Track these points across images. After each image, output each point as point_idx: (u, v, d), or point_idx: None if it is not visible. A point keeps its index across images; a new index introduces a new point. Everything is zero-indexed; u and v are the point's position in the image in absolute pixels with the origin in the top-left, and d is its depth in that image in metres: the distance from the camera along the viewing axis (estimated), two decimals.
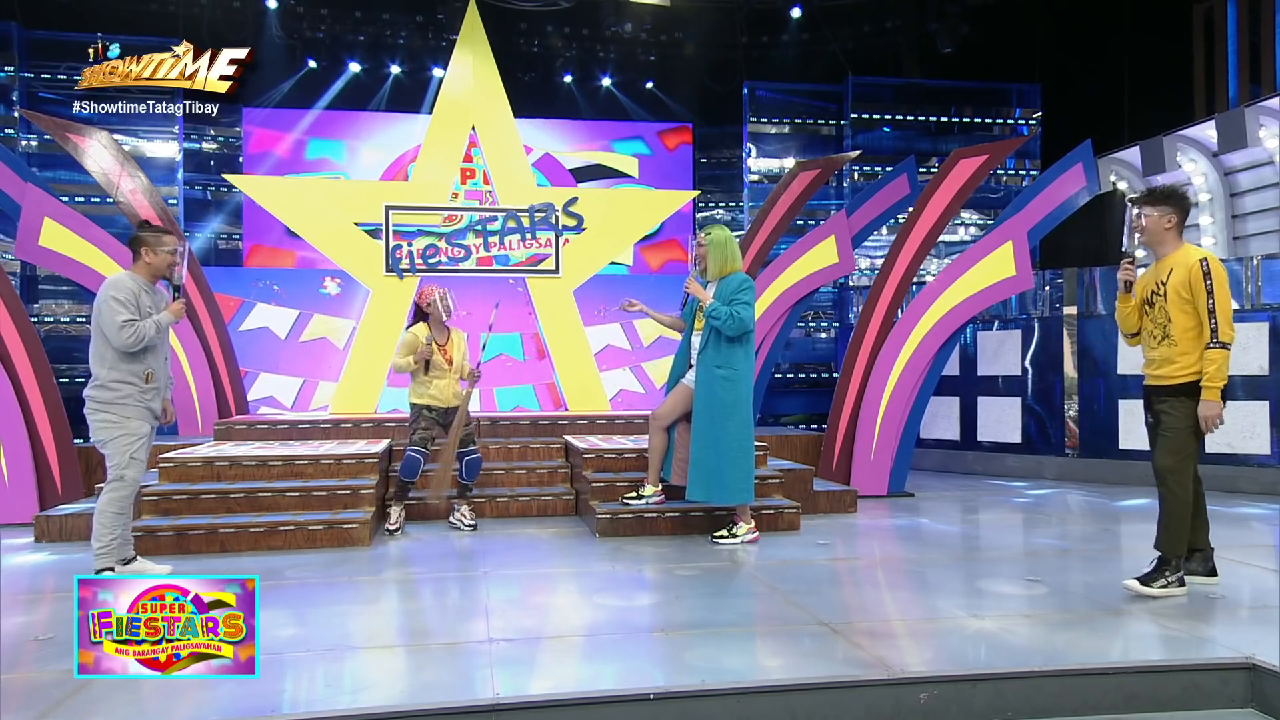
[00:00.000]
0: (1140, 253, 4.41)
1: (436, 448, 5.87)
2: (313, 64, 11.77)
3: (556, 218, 8.38)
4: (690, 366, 5.31)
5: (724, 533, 5.25)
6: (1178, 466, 3.96)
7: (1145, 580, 3.95)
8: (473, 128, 8.45)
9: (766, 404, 9.83)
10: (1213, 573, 4.17)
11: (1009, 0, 11.99)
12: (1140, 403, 4.26)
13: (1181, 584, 3.96)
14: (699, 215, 12.61)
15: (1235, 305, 7.48)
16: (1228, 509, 6.53)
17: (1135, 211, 4.07)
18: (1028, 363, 8.70)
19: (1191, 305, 3.91)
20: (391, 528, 5.62)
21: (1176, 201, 4.05)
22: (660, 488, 5.52)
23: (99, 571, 4.20)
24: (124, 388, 4.27)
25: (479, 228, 8.35)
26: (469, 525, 5.70)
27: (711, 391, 5.08)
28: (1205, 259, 3.91)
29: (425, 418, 5.73)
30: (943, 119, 12.70)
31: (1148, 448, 4.17)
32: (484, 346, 5.90)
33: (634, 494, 5.56)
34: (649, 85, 12.76)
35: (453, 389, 5.76)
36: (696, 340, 5.24)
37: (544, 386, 9.41)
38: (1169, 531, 3.97)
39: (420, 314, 5.83)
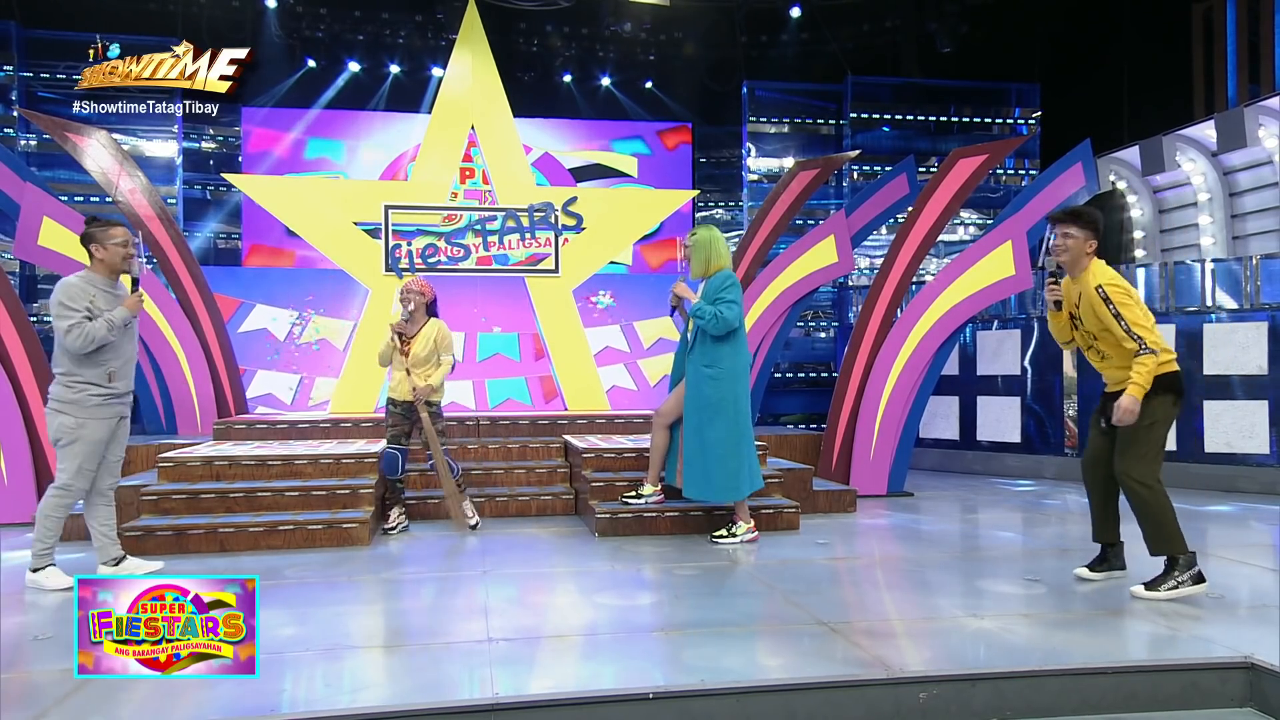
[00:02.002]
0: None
1: (415, 445, 5.84)
2: (312, 63, 11.77)
3: (556, 217, 8.38)
4: None
5: (723, 532, 5.25)
6: (1146, 471, 3.89)
7: (1151, 584, 3.89)
8: (472, 127, 8.45)
9: (766, 403, 9.83)
10: (1124, 566, 4.24)
11: (1008, 0, 11.99)
12: None
13: (1198, 580, 3.86)
14: (698, 215, 12.62)
15: (1235, 305, 7.55)
16: (1226, 508, 6.54)
17: (1060, 230, 4.04)
18: (1027, 362, 8.71)
19: (1106, 330, 3.93)
20: (388, 527, 5.62)
21: (1097, 225, 4.06)
22: (660, 487, 5.52)
23: (36, 570, 4.22)
24: (86, 387, 4.17)
25: (478, 227, 8.35)
26: (470, 524, 5.69)
27: (699, 390, 5.09)
28: (1100, 285, 3.91)
29: (393, 413, 5.66)
30: (942, 118, 12.71)
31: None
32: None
33: (633, 493, 5.56)
34: (648, 85, 12.77)
35: (408, 383, 5.58)
36: (689, 337, 5.24)
37: (536, 380, 9.38)
38: (1163, 532, 3.89)
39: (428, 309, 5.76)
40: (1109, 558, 4.25)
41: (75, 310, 4.11)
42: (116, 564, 4.43)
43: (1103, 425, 4.13)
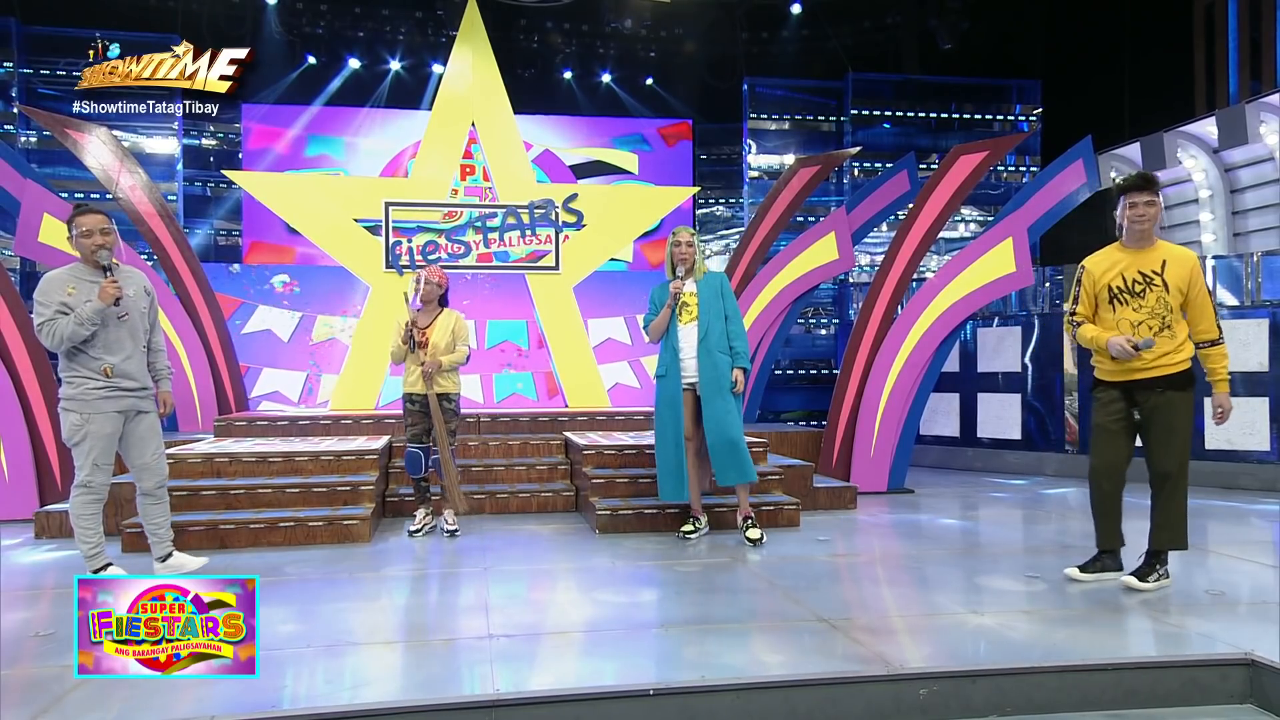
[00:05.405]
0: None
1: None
2: (312, 60, 11.76)
3: (556, 214, 8.38)
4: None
5: (757, 534, 5.12)
6: (1184, 465, 3.95)
7: (1141, 575, 3.97)
8: (472, 124, 8.45)
9: (766, 400, 9.82)
10: (1121, 568, 4.22)
11: None
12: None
13: (1168, 575, 4.02)
14: (699, 211, 12.62)
15: (1235, 301, 7.55)
16: (1227, 505, 6.54)
17: (1146, 199, 3.93)
18: (1027, 359, 8.70)
19: (1184, 298, 3.93)
20: (414, 529, 5.44)
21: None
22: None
23: (96, 571, 4.07)
24: (85, 381, 4.05)
25: (479, 224, 8.35)
26: (449, 530, 5.45)
27: (725, 374, 5.12)
28: (1201, 259, 4.01)
29: (411, 410, 5.44)
30: (943, 115, 12.70)
31: (1140, 444, 4.09)
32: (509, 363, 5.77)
33: (690, 529, 5.35)
34: (649, 81, 12.76)
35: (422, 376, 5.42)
36: (686, 331, 5.18)
37: (541, 375, 9.36)
38: (1184, 527, 3.97)
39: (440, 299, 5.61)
40: (1104, 559, 4.20)
41: (45, 306, 4.00)
42: (164, 561, 4.36)
43: (1136, 417, 4.02)
